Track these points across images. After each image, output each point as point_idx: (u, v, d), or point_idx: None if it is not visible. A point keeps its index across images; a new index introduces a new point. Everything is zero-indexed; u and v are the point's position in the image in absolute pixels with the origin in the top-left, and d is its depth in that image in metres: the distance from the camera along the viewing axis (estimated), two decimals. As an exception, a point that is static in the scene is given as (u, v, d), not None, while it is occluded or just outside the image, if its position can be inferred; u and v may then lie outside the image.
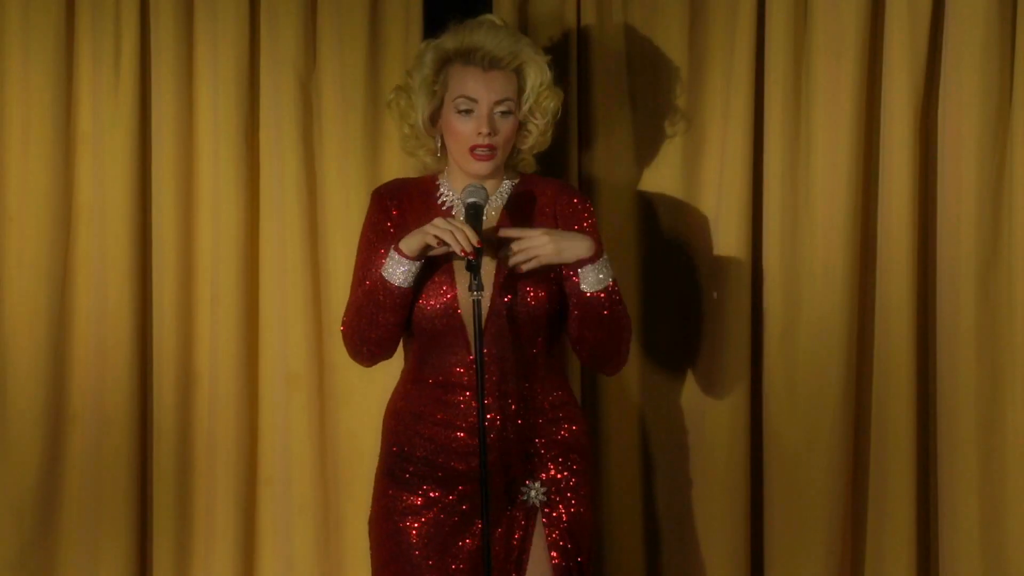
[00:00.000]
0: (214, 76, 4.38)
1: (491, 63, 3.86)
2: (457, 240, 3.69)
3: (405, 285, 3.79)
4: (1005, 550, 4.34)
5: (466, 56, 3.87)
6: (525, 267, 3.81)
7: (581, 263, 3.79)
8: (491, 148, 3.85)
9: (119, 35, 4.38)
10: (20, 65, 4.39)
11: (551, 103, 3.94)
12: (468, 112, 3.85)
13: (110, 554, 4.41)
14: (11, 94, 4.40)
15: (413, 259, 3.77)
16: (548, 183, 4.00)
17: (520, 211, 3.93)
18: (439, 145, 3.94)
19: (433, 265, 3.83)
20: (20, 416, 4.40)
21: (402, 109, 3.96)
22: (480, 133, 3.83)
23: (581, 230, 3.90)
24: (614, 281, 3.83)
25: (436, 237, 3.72)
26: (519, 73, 3.90)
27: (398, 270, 3.78)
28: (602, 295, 3.81)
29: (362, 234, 3.95)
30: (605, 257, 3.82)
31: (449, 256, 3.80)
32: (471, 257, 3.68)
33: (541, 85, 3.91)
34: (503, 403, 3.85)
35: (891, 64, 4.33)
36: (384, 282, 3.79)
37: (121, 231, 4.39)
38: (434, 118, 3.93)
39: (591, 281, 3.81)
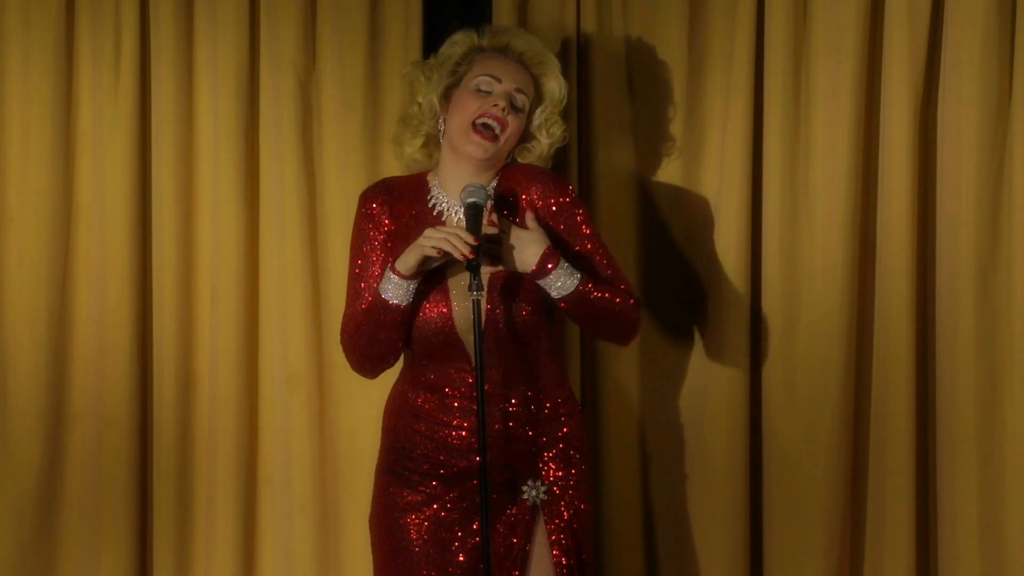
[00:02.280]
0: (214, 76, 4.39)
1: (518, 57, 3.93)
2: (456, 247, 3.68)
3: (404, 303, 3.79)
4: (1004, 550, 4.34)
5: (498, 49, 3.94)
6: (507, 266, 3.81)
7: (531, 276, 3.79)
8: (499, 123, 3.85)
9: (119, 35, 4.39)
10: (20, 65, 4.39)
11: (558, 129, 3.99)
12: (486, 93, 3.87)
13: (110, 554, 4.41)
14: (11, 94, 4.40)
15: (409, 278, 3.77)
16: (524, 171, 3.98)
17: (506, 208, 3.92)
18: (441, 131, 3.95)
19: (428, 281, 3.83)
20: (20, 416, 4.40)
21: (416, 83, 3.98)
22: (496, 105, 3.84)
23: (573, 224, 3.91)
24: (582, 282, 3.79)
25: (435, 248, 3.71)
26: (538, 84, 3.94)
27: (395, 290, 3.78)
28: (571, 297, 3.80)
29: (352, 241, 3.96)
30: (561, 266, 3.77)
31: (444, 270, 3.80)
32: (472, 256, 3.68)
33: (557, 104, 3.96)
34: (505, 404, 3.85)
35: (891, 64, 4.32)
36: (383, 301, 3.79)
37: (121, 231, 4.40)
38: (444, 100, 3.94)
39: (551, 289, 3.80)
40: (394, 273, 3.78)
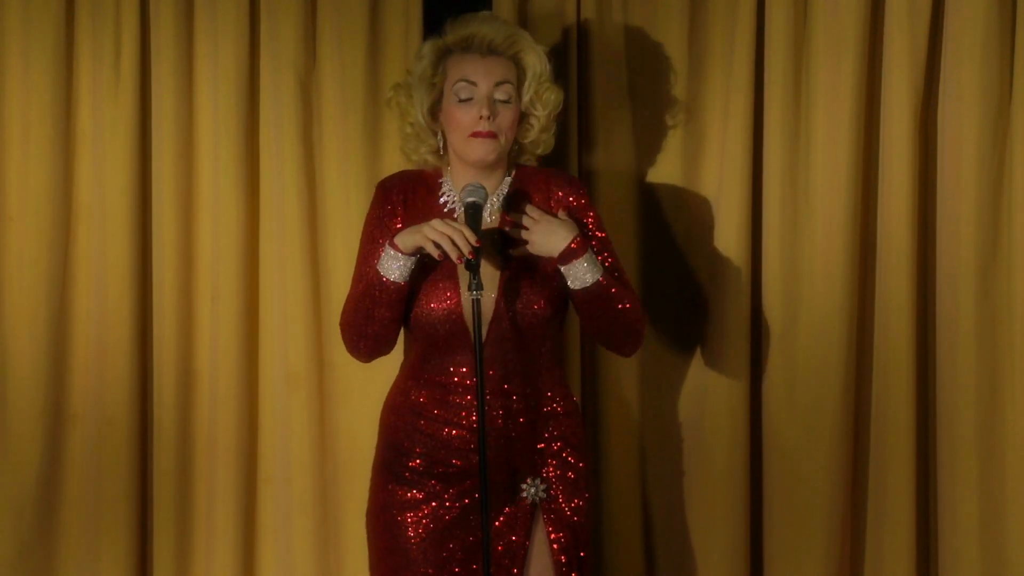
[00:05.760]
0: (214, 76, 4.39)
1: (489, 48, 3.88)
2: (455, 245, 3.68)
3: (401, 281, 3.79)
4: (1005, 550, 4.34)
5: (464, 45, 3.89)
6: (530, 248, 3.81)
7: (555, 262, 3.80)
8: (491, 134, 3.85)
9: (119, 35, 4.39)
10: (20, 65, 4.39)
11: (551, 95, 3.93)
12: (468, 100, 3.86)
13: (110, 554, 4.41)
14: (11, 94, 4.40)
15: (408, 255, 3.77)
16: (540, 174, 3.99)
17: (518, 209, 3.93)
18: (441, 143, 3.94)
19: (436, 268, 3.83)
20: (20, 416, 4.40)
21: (402, 107, 3.97)
22: (481, 117, 3.83)
23: (585, 226, 3.90)
24: (604, 277, 3.81)
25: (434, 243, 3.71)
26: (518, 63, 3.91)
27: (393, 265, 3.78)
28: (591, 289, 3.80)
29: (364, 227, 3.95)
30: (588, 255, 3.79)
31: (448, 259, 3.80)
32: (470, 257, 3.68)
33: (541, 75, 3.91)
34: (505, 401, 3.85)
35: (891, 64, 4.33)
36: (379, 277, 3.79)
37: (121, 230, 4.40)
38: (435, 113, 3.93)
39: (572, 278, 3.80)
40: (393, 248, 3.77)
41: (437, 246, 3.70)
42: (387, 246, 3.78)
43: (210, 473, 4.42)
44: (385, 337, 3.87)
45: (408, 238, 3.76)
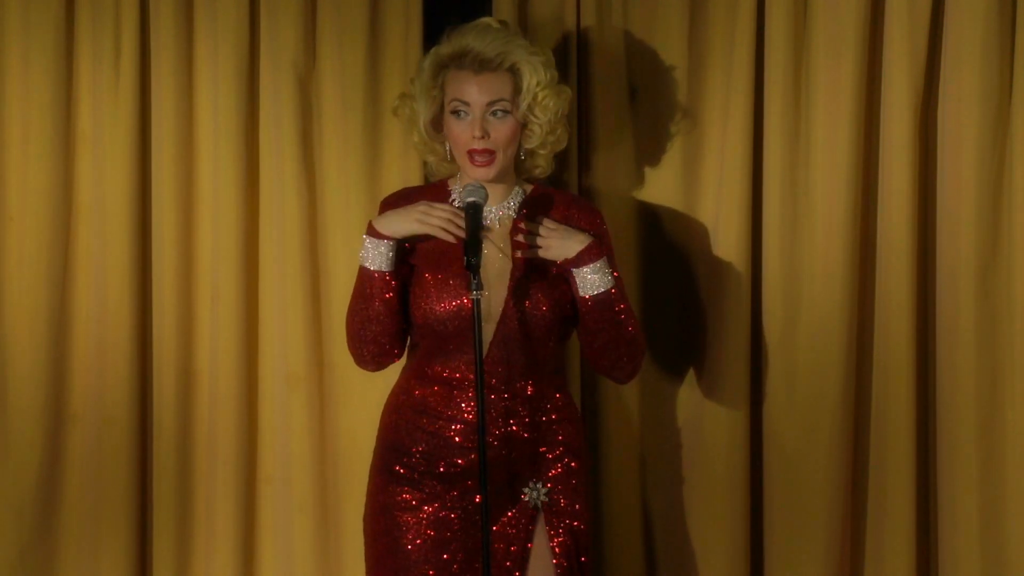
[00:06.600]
0: (214, 76, 4.39)
1: (481, 65, 3.86)
2: (453, 225, 3.72)
3: (386, 268, 3.80)
4: (1005, 550, 4.34)
5: (459, 60, 3.88)
6: (542, 254, 3.85)
7: (568, 264, 3.81)
8: (488, 152, 3.85)
9: (119, 35, 4.38)
10: (20, 65, 4.38)
11: (551, 101, 3.91)
12: (463, 115, 3.86)
13: (110, 554, 4.41)
14: (11, 93, 4.40)
15: (388, 238, 3.78)
16: (560, 195, 4.01)
17: (533, 220, 3.93)
18: (448, 150, 3.95)
19: (447, 268, 3.83)
20: (20, 416, 4.40)
21: (408, 117, 3.98)
22: (474, 136, 3.84)
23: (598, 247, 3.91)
24: (613, 289, 3.83)
25: (440, 228, 3.73)
26: (515, 73, 3.89)
27: (374, 253, 3.80)
28: (599, 298, 3.82)
29: None
30: (600, 263, 3.83)
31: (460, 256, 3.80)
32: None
33: (538, 85, 3.89)
34: (509, 403, 3.86)
35: (891, 64, 4.33)
36: (366, 270, 3.81)
37: (121, 230, 4.40)
38: (438, 124, 3.94)
39: (584, 283, 3.83)
40: (373, 235, 3.79)
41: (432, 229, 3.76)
42: (365, 236, 3.79)
43: (210, 473, 4.42)
44: (385, 334, 3.87)
45: (394, 223, 3.78)
